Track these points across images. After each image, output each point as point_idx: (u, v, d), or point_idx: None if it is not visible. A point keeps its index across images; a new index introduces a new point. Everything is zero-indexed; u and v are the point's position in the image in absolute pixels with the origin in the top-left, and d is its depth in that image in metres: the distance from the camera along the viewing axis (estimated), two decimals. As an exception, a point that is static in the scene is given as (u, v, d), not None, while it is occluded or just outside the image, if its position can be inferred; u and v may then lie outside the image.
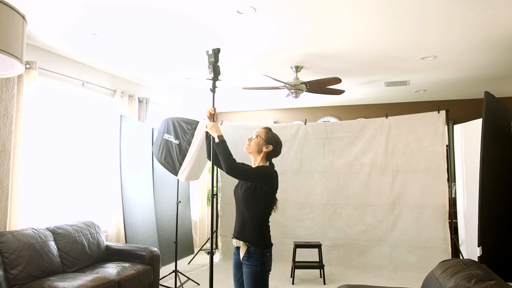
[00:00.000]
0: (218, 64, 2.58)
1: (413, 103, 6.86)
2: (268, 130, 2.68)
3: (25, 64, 3.38)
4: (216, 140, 2.49)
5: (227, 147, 2.47)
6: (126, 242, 4.38)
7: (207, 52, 2.57)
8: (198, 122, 4.60)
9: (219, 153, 2.48)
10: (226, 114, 7.96)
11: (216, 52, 2.55)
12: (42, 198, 4.18)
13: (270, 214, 2.58)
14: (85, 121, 4.81)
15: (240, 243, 2.50)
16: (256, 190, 2.50)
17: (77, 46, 4.10)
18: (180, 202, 4.91)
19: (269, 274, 2.51)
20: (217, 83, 2.61)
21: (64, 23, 3.47)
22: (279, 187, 2.62)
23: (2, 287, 3.02)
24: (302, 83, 4.71)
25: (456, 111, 6.47)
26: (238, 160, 2.50)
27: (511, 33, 3.62)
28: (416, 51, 4.19)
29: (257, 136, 2.64)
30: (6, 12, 1.36)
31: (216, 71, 2.56)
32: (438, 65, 4.67)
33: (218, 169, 3.11)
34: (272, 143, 2.63)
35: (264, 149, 2.61)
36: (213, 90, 2.61)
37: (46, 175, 4.26)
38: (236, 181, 2.67)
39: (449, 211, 5.04)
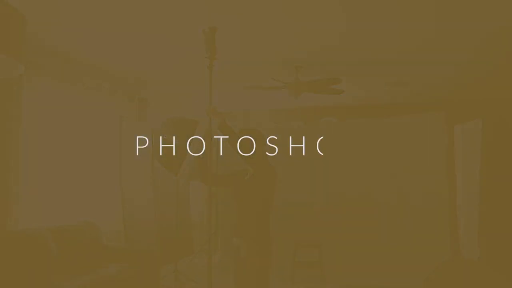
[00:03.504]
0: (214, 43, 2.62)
1: (413, 103, 6.85)
2: (243, 140, 2.54)
3: (25, 64, 3.37)
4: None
5: (230, 128, 2.54)
6: (126, 242, 4.39)
7: (204, 31, 2.61)
8: (198, 122, 4.59)
9: (226, 134, 2.53)
10: (226, 114, 7.93)
11: (213, 31, 2.60)
12: (43, 198, 4.18)
13: (269, 211, 2.58)
14: (85, 121, 4.80)
15: (240, 241, 2.51)
16: (254, 188, 2.51)
17: (77, 46, 4.10)
18: (180, 202, 4.91)
19: (269, 273, 2.52)
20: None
21: (64, 23, 3.46)
22: (278, 187, 2.62)
23: (2, 287, 3.02)
24: (302, 83, 4.71)
25: (456, 111, 6.47)
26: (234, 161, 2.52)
27: (511, 33, 3.62)
28: (415, 51, 4.18)
29: (248, 156, 2.54)
30: (6, 12, 1.36)
31: (212, 50, 2.61)
32: (438, 64, 4.67)
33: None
34: (256, 139, 2.56)
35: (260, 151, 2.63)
36: (209, 68, 2.64)
37: (46, 175, 4.25)
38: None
39: (449, 211, 5.04)
